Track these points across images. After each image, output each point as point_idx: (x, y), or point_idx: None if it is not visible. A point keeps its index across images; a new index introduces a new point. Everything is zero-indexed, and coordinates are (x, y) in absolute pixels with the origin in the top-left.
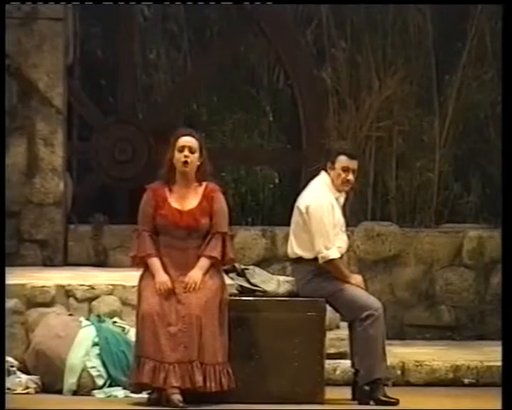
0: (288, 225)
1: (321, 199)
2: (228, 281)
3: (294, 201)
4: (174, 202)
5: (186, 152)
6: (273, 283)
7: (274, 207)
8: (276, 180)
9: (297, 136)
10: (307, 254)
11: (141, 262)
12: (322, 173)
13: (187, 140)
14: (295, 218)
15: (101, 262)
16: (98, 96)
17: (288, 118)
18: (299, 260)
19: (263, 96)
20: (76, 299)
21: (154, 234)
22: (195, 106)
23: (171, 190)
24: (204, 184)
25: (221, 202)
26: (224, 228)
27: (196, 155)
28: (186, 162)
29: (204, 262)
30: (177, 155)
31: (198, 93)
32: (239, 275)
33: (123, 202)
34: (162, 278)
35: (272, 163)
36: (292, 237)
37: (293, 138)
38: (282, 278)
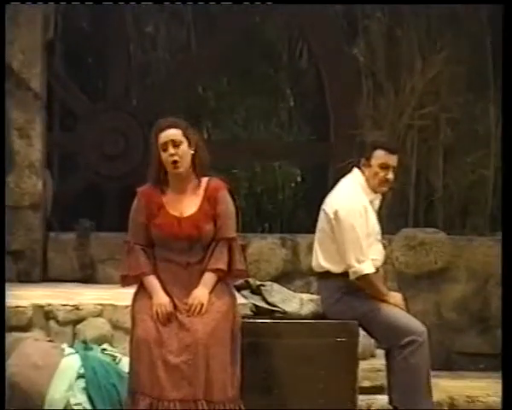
0: (313, 232)
1: (353, 202)
2: (240, 300)
3: (320, 203)
4: (171, 208)
5: (171, 149)
6: (295, 302)
7: (295, 211)
8: (299, 178)
9: (323, 125)
10: (336, 268)
11: (134, 282)
12: (355, 171)
13: (167, 134)
14: (322, 224)
15: (87, 277)
16: (84, 77)
17: (313, 103)
18: (325, 274)
19: (282, 78)
20: (57, 322)
21: (149, 247)
22: (201, 89)
23: (165, 194)
24: (204, 180)
25: (226, 202)
26: (230, 233)
27: (184, 146)
28: (175, 162)
29: (209, 278)
30: (162, 155)
31: (204, 74)
32: (253, 293)
33: (114, 205)
34: (161, 299)
35: (293, 158)
36: (317, 248)
37: (318, 128)
38: (305, 296)
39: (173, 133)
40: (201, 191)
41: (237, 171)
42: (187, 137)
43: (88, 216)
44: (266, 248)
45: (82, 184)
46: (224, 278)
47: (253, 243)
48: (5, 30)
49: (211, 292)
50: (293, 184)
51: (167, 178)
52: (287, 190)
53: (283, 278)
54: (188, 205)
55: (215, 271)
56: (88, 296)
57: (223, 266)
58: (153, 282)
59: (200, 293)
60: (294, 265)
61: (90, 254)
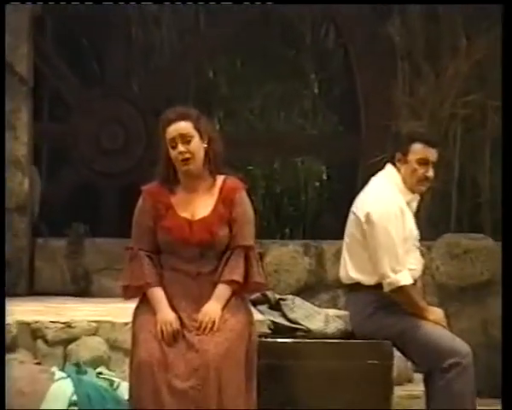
0: (341, 238)
1: (387, 203)
2: (257, 316)
3: (349, 205)
4: (180, 210)
5: (180, 146)
6: (319, 319)
7: (320, 214)
8: (324, 176)
9: (352, 115)
10: (367, 279)
11: (137, 294)
12: (389, 167)
13: (176, 128)
14: (351, 229)
15: (81, 290)
16: (78, 60)
17: (340, 90)
18: (355, 287)
19: (305, 61)
20: (46, 341)
21: (155, 254)
22: (211, 74)
23: (174, 193)
24: (220, 179)
25: (244, 205)
26: (247, 240)
27: (196, 141)
28: (186, 160)
29: (223, 291)
30: (171, 152)
31: (215, 56)
32: (272, 308)
33: (112, 206)
34: (167, 315)
35: (318, 153)
36: (346, 256)
37: (347, 118)
38: (331, 311)
39: (183, 127)
40: (216, 191)
41: (253, 168)
42: (198, 130)
43: (82, 219)
44: (287, 256)
45: (75, 182)
46: (239, 291)
47: (272, 251)
48: (5, 30)
49: (224, 308)
50: (317, 183)
51: (177, 176)
52: (310, 190)
53: (306, 291)
54: (200, 206)
55: (229, 283)
56: (81, 312)
57: (238, 277)
58: (158, 295)
59: (212, 308)
60: (319, 276)
61: (83, 263)
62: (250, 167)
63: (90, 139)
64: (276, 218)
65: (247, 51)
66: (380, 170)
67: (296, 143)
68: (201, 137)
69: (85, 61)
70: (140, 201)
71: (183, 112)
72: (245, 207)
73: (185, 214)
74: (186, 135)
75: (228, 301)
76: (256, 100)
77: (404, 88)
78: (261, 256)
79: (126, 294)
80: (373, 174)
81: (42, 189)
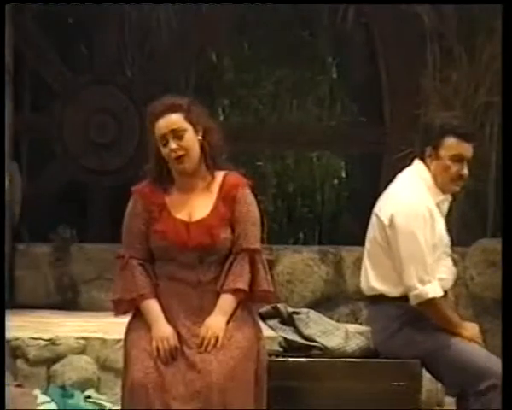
0: (361, 244)
1: (414, 204)
2: (267, 332)
3: (372, 207)
4: (176, 211)
5: (172, 143)
6: (338, 335)
7: (339, 217)
8: (343, 174)
9: (375, 103)
10: (392, 291)
11: (130, 308)
12: (417, 164)
13: (166, 123)
14: (373, 233)
15: (67, 302)
16: (64, 42)
17: (362, 75)
18: (379, 298)
19: (322, 42)
20: (27, 361)
21: (148, 262)
22: (215, 57)
23: (168, 193)
24: (220, 175)
25: (248, 203)
26: (252, 243)
27: (189, 135)
28: (179, 157)
29: (227, 302)
30: (162, 150)
31: (218, 38)
32: (284, 323)
33: (102, 208)
34: (163, 330)
35: (336, 146)
36: (368, 264)
37: (369, 107)
38: (352, 327)
39: (173, 121)
40: (215, 189)
41: (262, 164)
42: (191, 122)
43: (68, 223)
44: (301, 264)
45: (60, 180)
46: (245, 302)
47: (284, 258)
48: (5, 30)
49: (229, 321)
50: (335, 181)
51: (171, 174)
52: (327, 189)
53: (323, 303)
54: (198, 206)
55: (234, 292)
56: (67, 328)
57: (243, 285)
58: (153, 307)
59: (215, 322)
60: (337, 286)
61: (70, 272)
62: (259, 163)
63: (78, 132)
64: (288, 220)
65: (255, 31)
66: (406, 166)
67: (311, 135)
68: (195, 129)
69: (72, 44)
70: (130, 203)
71: (172, 103)
72: (249, 206)
73: (181, 216)
74: (177, 130)
75: (233, 313)
76: (266, 87)
77: (434, 73)
78: (272, 264)
79: (118, 309)
80: (398, 171)
81: (23, 187)
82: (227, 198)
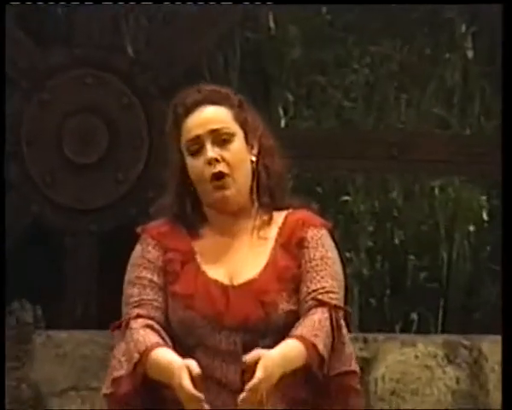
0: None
1: None
2: None
3: None
4: (210, 266)
5: (209, 151)
6: None
7: (477, 286)
8: (484, 215)
9: None
10: None
11: (133, 382)
12: None
13: (201, 119)
14: None
15: None
16: (34, 13)
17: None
18: None
19: (448, 8)
20: None
21: (162, 325)
22: (272, 22)
23: (197, 237)
24: (279, 216)
25: (325, 246)
26: (332, 297)
27: (239, 145)
28: (220, 176)
29: (292, 349)
30: (190, 163)
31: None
32: None
33: (84, 270)
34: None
35: (474, 170)
36: None
37: None
38: None
39: (214, 115)
40: (272, 234)
41: (350, 198)
42: (243, 126)
43: (30, 297)
44: (415, 364)
45: (16, 224)
46: (314, 373)
47: (387, 355)
48: (5, 30)
49: (283, 378)
50: (471, 228)
51: (202, 209)
52: (458, 241)
53: None
54: (244, 261)
55: (303, 341)
56: None
57: (317, 340)
58: (164, 355)
59: (269, 359)
60: (475, 401)
61: (31, 377)
62: (345, 198)
63: (46, 143)
64: (392, 293)
65: None
66: None
67: (430, 149)
68: (248, 140)
69: (46, 16)
70: (137, 248)
71: (214, 90)
72: (327, 251)
73: (217, 275)
74: (221, 131)
75: (296, 373)
76: (357, 72)
77: None
78: (365, 364)
79: (114, 397)
80: None
81: None
82: (290, 244)
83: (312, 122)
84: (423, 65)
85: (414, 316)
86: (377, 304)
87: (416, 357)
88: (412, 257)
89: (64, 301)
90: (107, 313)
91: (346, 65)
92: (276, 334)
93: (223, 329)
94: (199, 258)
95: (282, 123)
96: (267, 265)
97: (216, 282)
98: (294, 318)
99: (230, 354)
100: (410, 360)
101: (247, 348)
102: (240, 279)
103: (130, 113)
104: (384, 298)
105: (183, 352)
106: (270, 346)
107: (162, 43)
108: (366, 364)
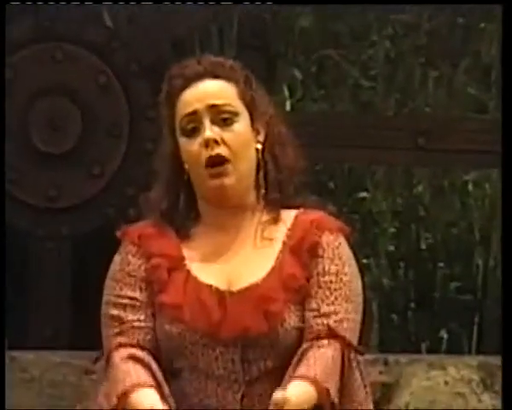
0: None
1: None
2: None
3: None
4: (203, 271)
5: (208, 128)
6: None
7: None
8: None
9: None
10: None
11: None
12: None
13: (200, 92)
14: None
15: None
16: None
17: None
18: None
19: None
20: None
21: (152, 354)
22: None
23: (188, 239)
24: (289, 215)
25: (342, 258)
26: (347, 329)
27: (242, 126)
28: (217, 162)
29: (304, 392)
30: (184, 143)
31: None
32: None
33: (54, 279)
34: None
35: None
36: None
37: None
38: None
39: (215, 90)
40: (280, 235)
41: (369, 195)
42: (248, 106)
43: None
44: (445, 390)
45: None
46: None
47: (412, 378)
48: (5, 30)
49: None
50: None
51: (195, 205)
52: (495, 246)
53: None
54: (245, 264)
55: (321, 390)
56: None
57: (333, 387)
58: (143, 401)
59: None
60: None
61: None
62: (364, 194)
63: (8, 131)
64: (418, 306)
65: None
66: None
67: (463, 138)
68: (253, 123)
69: None
70: (116, 258)
71: (220, 63)
72: (343, 264)
73: (212, 280)
74: (222, 107)
75: None
76: (376, 48)
77: None
78: (387, 390)
79: None
80: None
81: None
82: (300, 249)
83: (324, 105)
84: (455, 37)
85: (443, 334)
86: (400, 320)
87: (446, 383)
88: (441, 264)
89: (31, 316)
90: (82, 331)
91: (364, 37)
92: (281, 354)
93: (218, 345)
94: (189, 262)
95: (288, 105)
96: (272, 271)
97: (210, 288)
98: (302, 337)
99: (228, 377)
100: (438, 386)
101: (246, 370)
102: (239, 284)
103: (108, 95)
104: (408, 313)
105: (171, 375)
106: (275, 368)
107: (146, 13)
108: (387, 390)
